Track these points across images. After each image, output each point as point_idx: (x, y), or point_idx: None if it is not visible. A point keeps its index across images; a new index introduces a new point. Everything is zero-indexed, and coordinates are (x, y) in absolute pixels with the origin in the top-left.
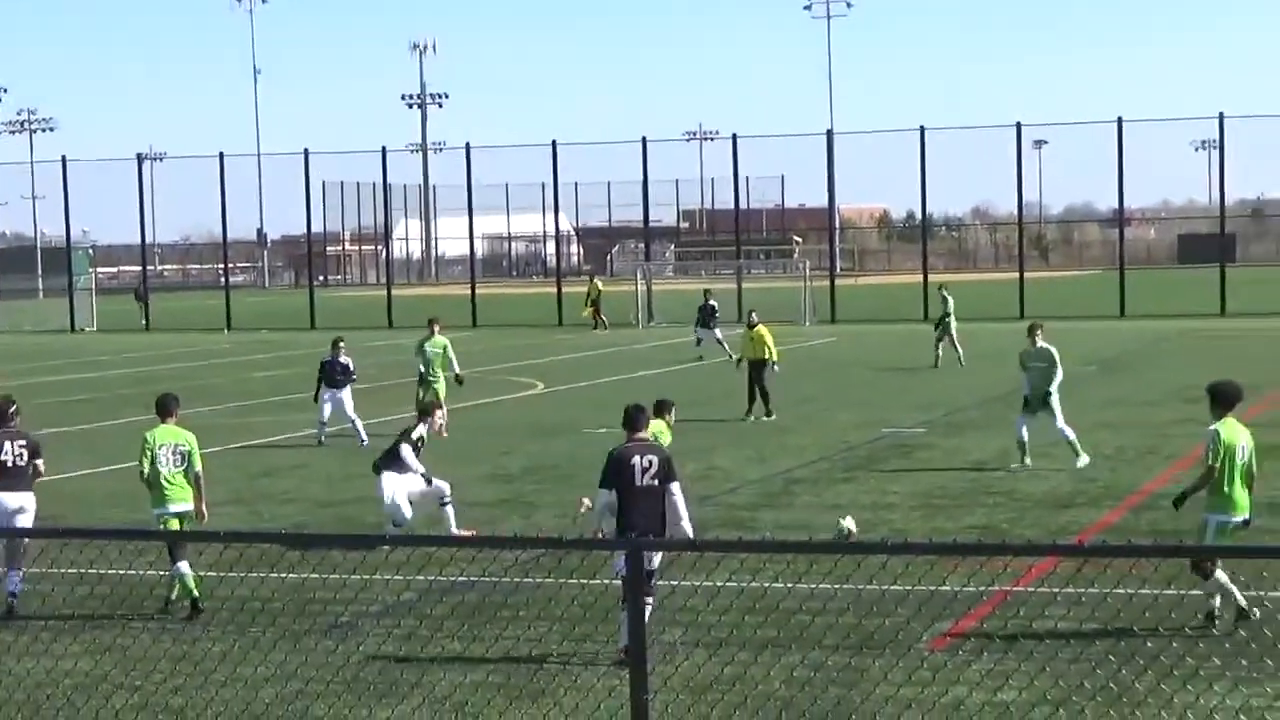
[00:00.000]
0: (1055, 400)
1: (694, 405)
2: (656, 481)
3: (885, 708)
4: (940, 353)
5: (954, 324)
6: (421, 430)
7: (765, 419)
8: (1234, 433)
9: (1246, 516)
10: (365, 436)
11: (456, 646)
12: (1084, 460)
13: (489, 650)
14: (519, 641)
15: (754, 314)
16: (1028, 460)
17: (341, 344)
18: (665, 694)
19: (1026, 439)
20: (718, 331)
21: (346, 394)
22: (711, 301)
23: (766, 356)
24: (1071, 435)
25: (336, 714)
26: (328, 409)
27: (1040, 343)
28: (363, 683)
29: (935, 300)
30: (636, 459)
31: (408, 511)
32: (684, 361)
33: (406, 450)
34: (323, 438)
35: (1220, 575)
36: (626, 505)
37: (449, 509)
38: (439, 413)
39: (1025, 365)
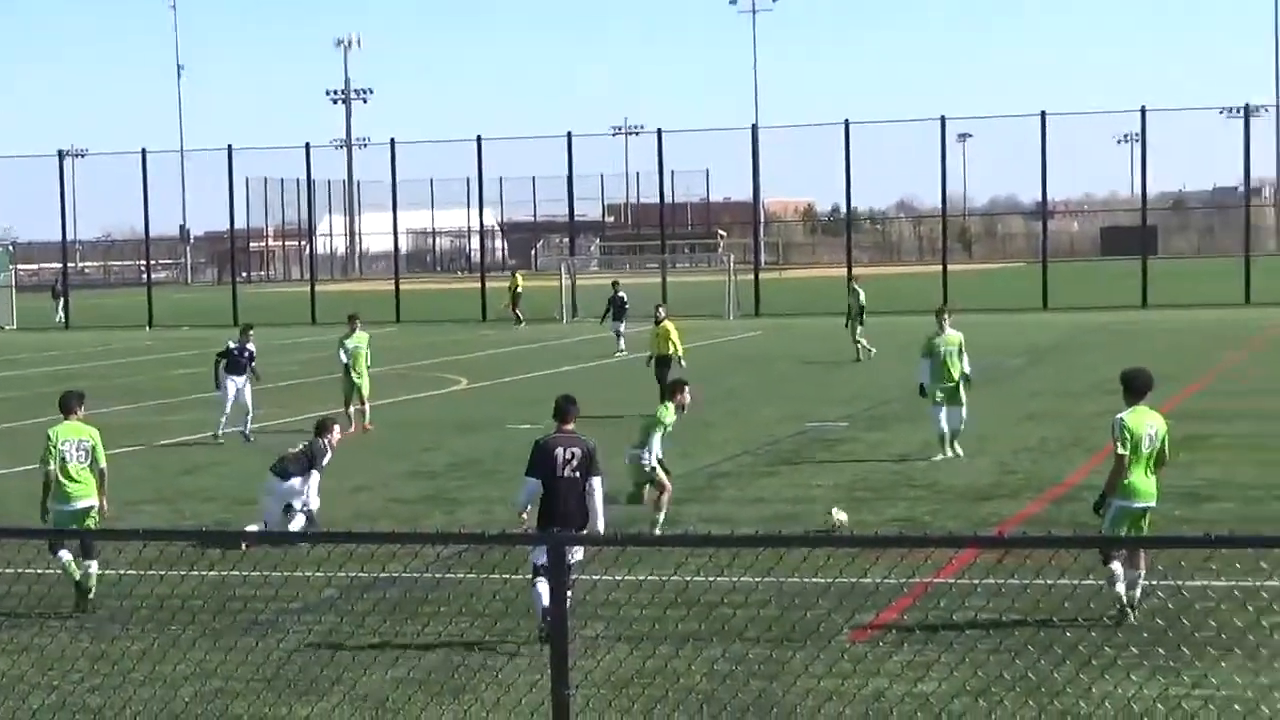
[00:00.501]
0: (964, 391)
1: (618, 401)
2: (578, 474)
3: (806, 700)
4: (867, 344)
5: (862, 318)
6: (329, 453)
7: None
8: (1140, 420)
9: (1150, 504)
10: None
11: (378, 643)
12: (948, 456)
13: (411, 646)
14: (441, 637)
15: (661, 309)
16: (948, 451)
17: (251, 332)
18: (587, 688)
19: (947, 430)
20: (621, 325)
21: (247, 384)
22: (620, 294)
23: (672, 352)
24: (959, 429)
25: (256, 712)
26: (232, 398)
27: (949, 328)
28: (283, 680)
29: (850, 295)
30: (560, 450)
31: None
32: (608, 356)
33: (316, 479)
34: (221, 435)
35: (1115, 567)
36: (548, 495)
37: (299, 518)
38: (336, 428)
39: (933, 350)
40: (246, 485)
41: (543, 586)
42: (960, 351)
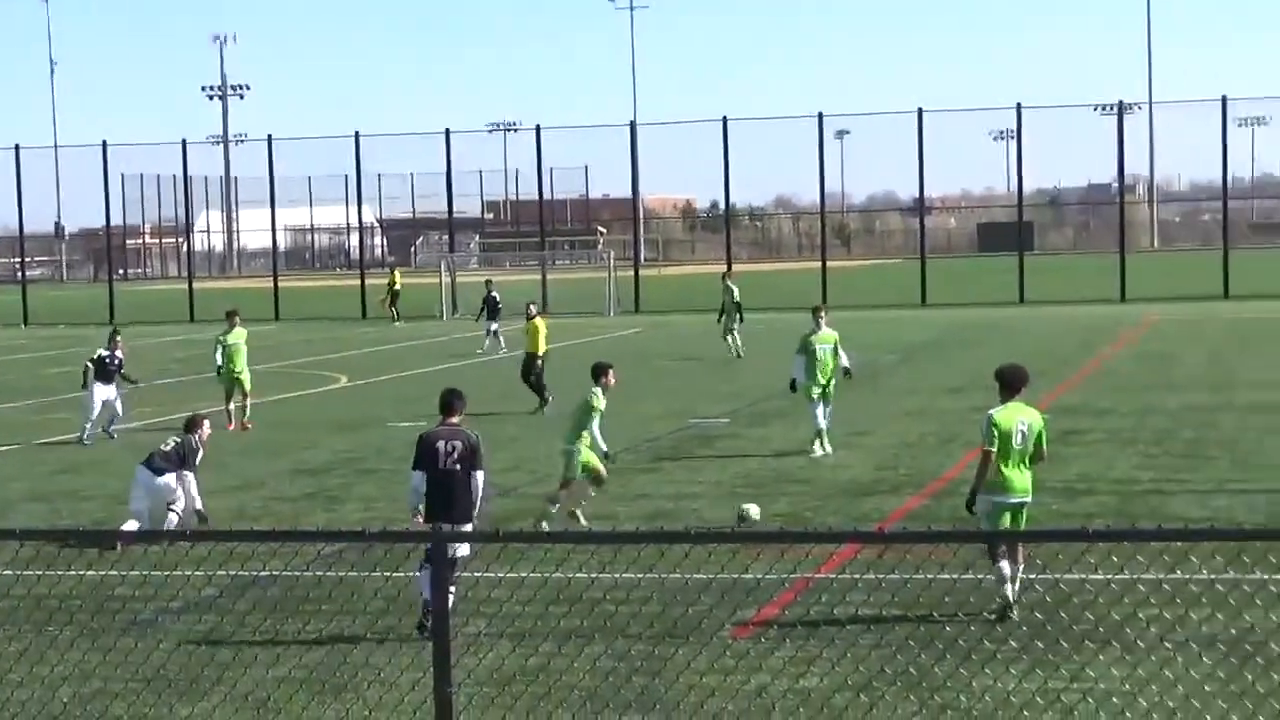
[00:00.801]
0: (832, 387)
1: (500, 397)
2: (459, 466)
3: (689, 696)
4: (741, 342)
5: (739, 315)
6: (200, 450)
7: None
8: (1011, 416)
9: (1023, 499)
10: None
11: (259, 641)
12: (824, 452)
13: (292, 645)
14: (323, 635)
15: (532, 306)
16: (824, 447)
17: (119, 337)
18: (470, 686)
19: (824, 426)
20: (494, 324)
21: (114, 389)
22: (494, 293)
23: (539, 350)
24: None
25: (136, 713)
26: (99, 406)
27: (825, 327)
28: (163, 680)
29: (724, 292)
30: (441, 443)
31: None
32: (494, 352)
33: (191, 479)
34: (87, 439)
35: (1004, 566)
36: (431, 488)
37: (171, 518)
38: (206, 424)
39: (808, 348)
40: (125, 484)
41: (426, 579)
42: (836, 350)
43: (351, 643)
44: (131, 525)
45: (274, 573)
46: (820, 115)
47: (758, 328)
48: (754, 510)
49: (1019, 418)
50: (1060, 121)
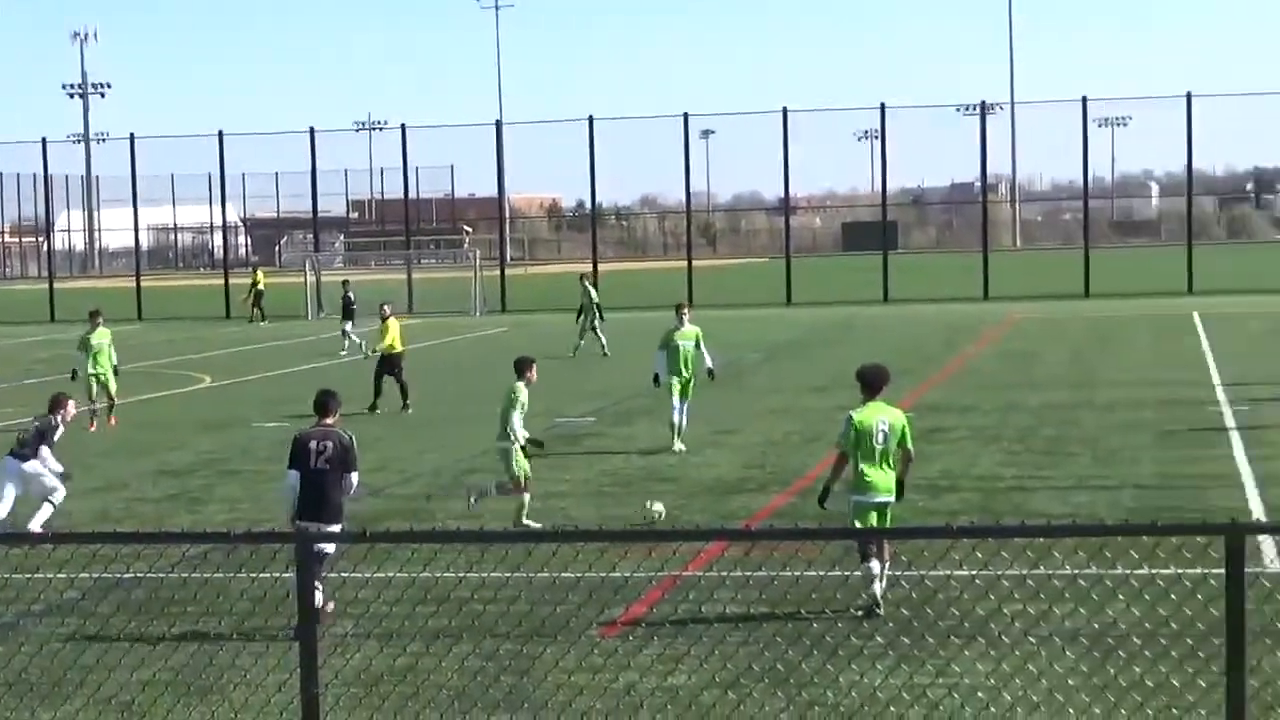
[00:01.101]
0: (692, 385)
1: (365, 397)
2: (329, 466)
3: (558, 695)
4: (605, 340)
5: (599, 314)
6: (60, 428)
7: (405, 412)
8: (870, 415)
9: (888, 498)
10: None
11: (124, 644)
12: (680, 448)
13: (157, 647)
14: (188, 637)
15: (385, 306)
16: (678, 444)
17: None
18: (337, 687)
19: (682, 422)
20: (349, 325)
21: None
22: (349, 294)
23: (392, 349)
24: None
25: None
26: None
27: (687, 323)
28: (25, 684)
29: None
30: (313, 443)
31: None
32: (355, 353)
33: (47, 453)
34: None
35: (873, 565)
36: (303, 486)
37: (47, 509)
38: (70, 403)
39: (670, 343)
40: None
41: (319, 594)
42: (697, 345)
43: (217, 644)
44: (44, 514)
45: (138, 575)
46: (686, 115)
47: (621, 326)
48: (659, 506)
49: (879, 417)
50: (923, 121)
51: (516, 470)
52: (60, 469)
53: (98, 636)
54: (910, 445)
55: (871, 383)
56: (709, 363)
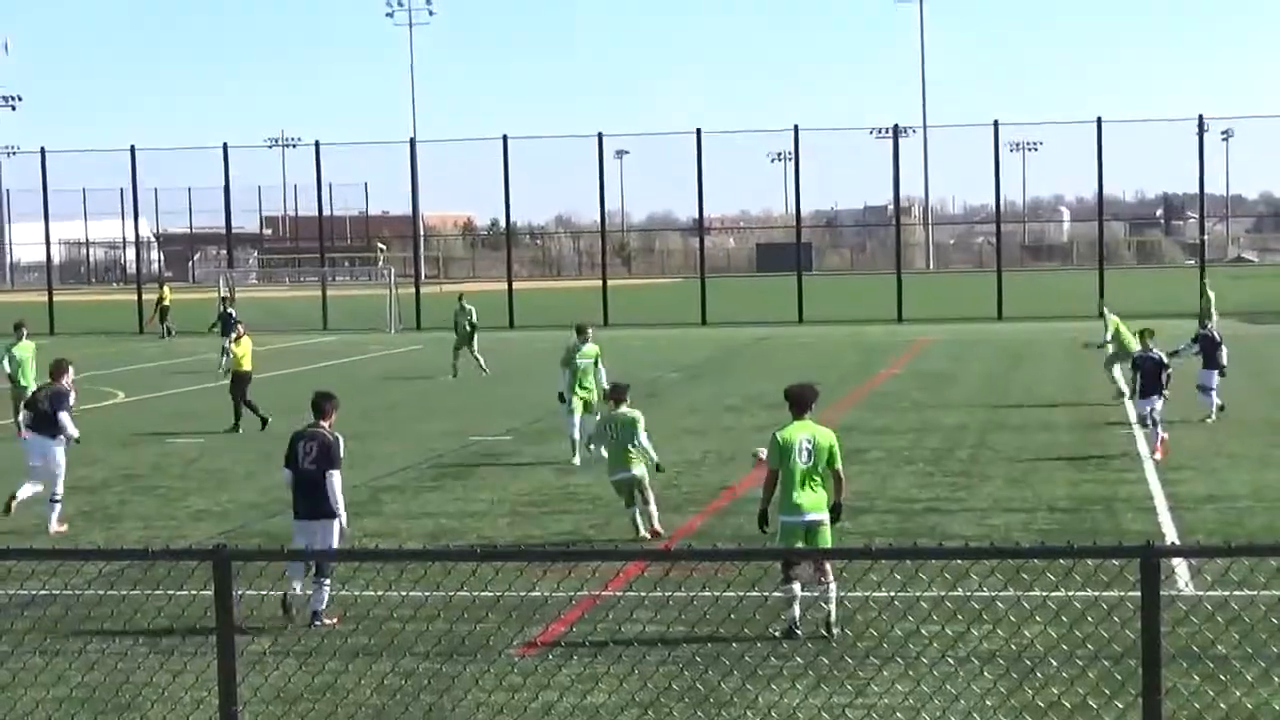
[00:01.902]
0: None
1: (279, 414)
2: (315, 466)
3: (477, 714)
4: (458, 363)
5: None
6: (72, 392)
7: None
8: (794, 433)
9: (817, 515)
10: None
11: (39, 661)
12: (578, 462)
13: (72, 664)
14: (105, 655)
15: (240, 325)
16: (577, 457)
17: None
18: (255, 705)
19: (579, 437)
20: (227, 341)
21: None
22: (229, 310)
23: (241, 367)
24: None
25: None
26: None
27: (589, 342)
28: None
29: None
30: (301, 443)
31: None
32: (271, 370)
33: (66, 419)
34: None
35: (794, 585)
36: (295, 485)
37: (58, 507)
38: (70, 367)
39: (570, 361)
40: None
41: (296, 585)
42: (597, 364)
43: (134, 661)
44: (29, 490)
45: (53, 592)
46: (600, 135)
47: (534, 343)
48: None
49: (803, 435)
50: (837, 144)
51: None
52: (76, 433)
53: (12, 653)
54: (840, 465)
55: (798, 401)
56: (604, 382)
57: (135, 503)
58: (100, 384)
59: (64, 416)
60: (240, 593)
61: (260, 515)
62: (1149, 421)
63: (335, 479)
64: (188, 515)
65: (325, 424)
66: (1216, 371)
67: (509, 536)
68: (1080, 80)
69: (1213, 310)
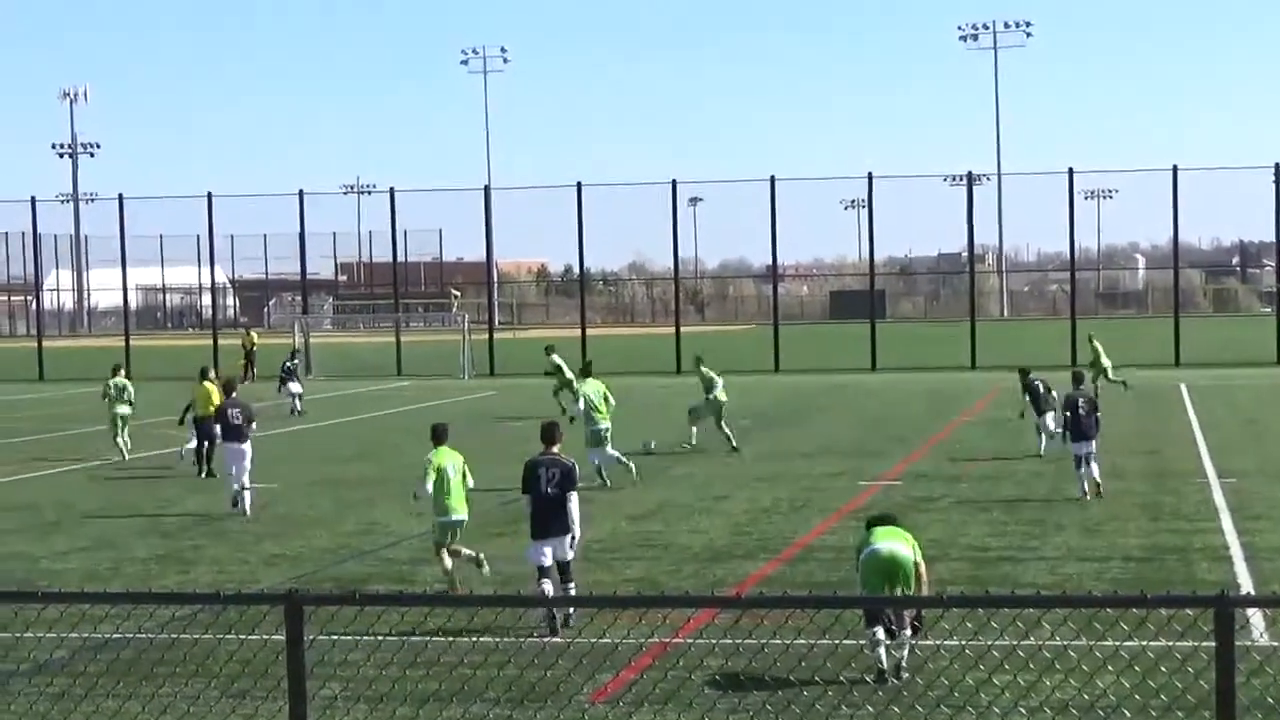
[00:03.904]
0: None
1: (353, 460)
2: (559, 489)
3: None
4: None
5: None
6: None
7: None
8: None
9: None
10: None
11: (112, 705)
12: (606, 483)
13: (145, 708)
14: (177, 699)
15: (209, 369)
16: (606, 480)
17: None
18: None
19: (599, 462)
20: (293, 384)
21: None
22: (294, 358)
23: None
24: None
25: None
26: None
27: (591, 379)
28: None
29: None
30: (543, 470)
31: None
32: (345, 415)
33: (253, 426)
34: None
35: (878, 630)
36: (534, 509)
37: (247, 494)
38: (236, 382)
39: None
40: None
41: (547, 586)
42: (605, 399)
43: (206, 706)
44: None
45: (126, 635)
46: (674, 182)
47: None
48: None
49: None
50: (911, 191)
51: None
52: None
53: (86, 697)
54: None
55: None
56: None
57: (209, 547)
58: (174, 428)
59: (253, 426)
60: (311, 638)
61: (332, 560)
62: (1085, 463)
63: (574, 500)
64: (260, 560)
65: (556, 450)
66: None
67: (580, 583)
68: (1155, 128)
69: None
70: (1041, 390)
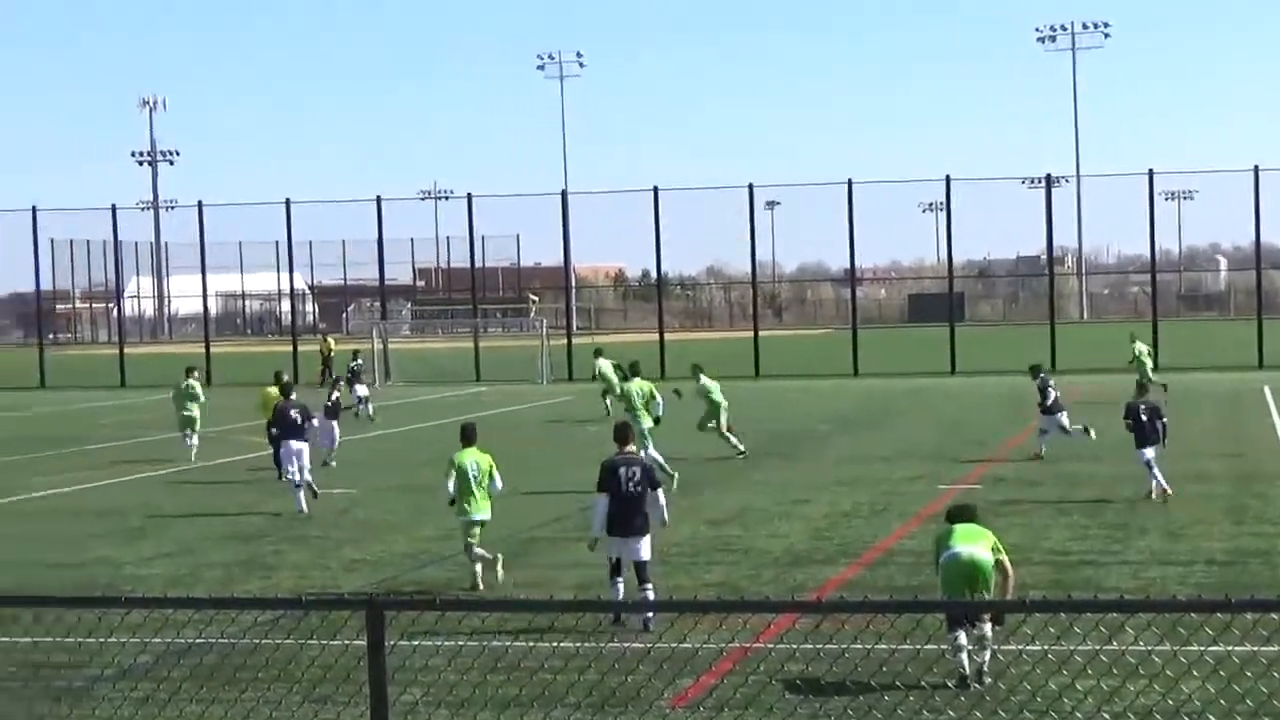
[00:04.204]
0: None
1: (430, 465)
2: (640, 488)
3: None
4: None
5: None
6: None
7: None
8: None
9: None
10: None
11: (194, 710)
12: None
13: (228, 713)
14: (259, 704)
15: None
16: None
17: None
18: None
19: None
20: (359, 389)
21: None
22: (358, 360)
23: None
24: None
25: None
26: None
27: (638, 378)
28: None
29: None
30: (623, 469)
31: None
32: (424, 420)
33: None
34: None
35: (960, 635)
36: (615, 508)
37: (301, 493)
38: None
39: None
40: (56, 550)
41: (620, 586)
42: (649, 399)
43: (288, 711)
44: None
45: (209, 640)
46: (751, 186)
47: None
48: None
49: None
50: (989, 194)
51: None
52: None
53: (169, 702)
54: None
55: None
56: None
57: (290, 552)
58: (254, 434)
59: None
60: (393, 643)
61: (413, 565)
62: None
63: (661, 494)
64: (341, 565)
65: (631, 449)
66: None
67: (660, 587)
68: (1235, 127)
69: None
70: (1051, 391)
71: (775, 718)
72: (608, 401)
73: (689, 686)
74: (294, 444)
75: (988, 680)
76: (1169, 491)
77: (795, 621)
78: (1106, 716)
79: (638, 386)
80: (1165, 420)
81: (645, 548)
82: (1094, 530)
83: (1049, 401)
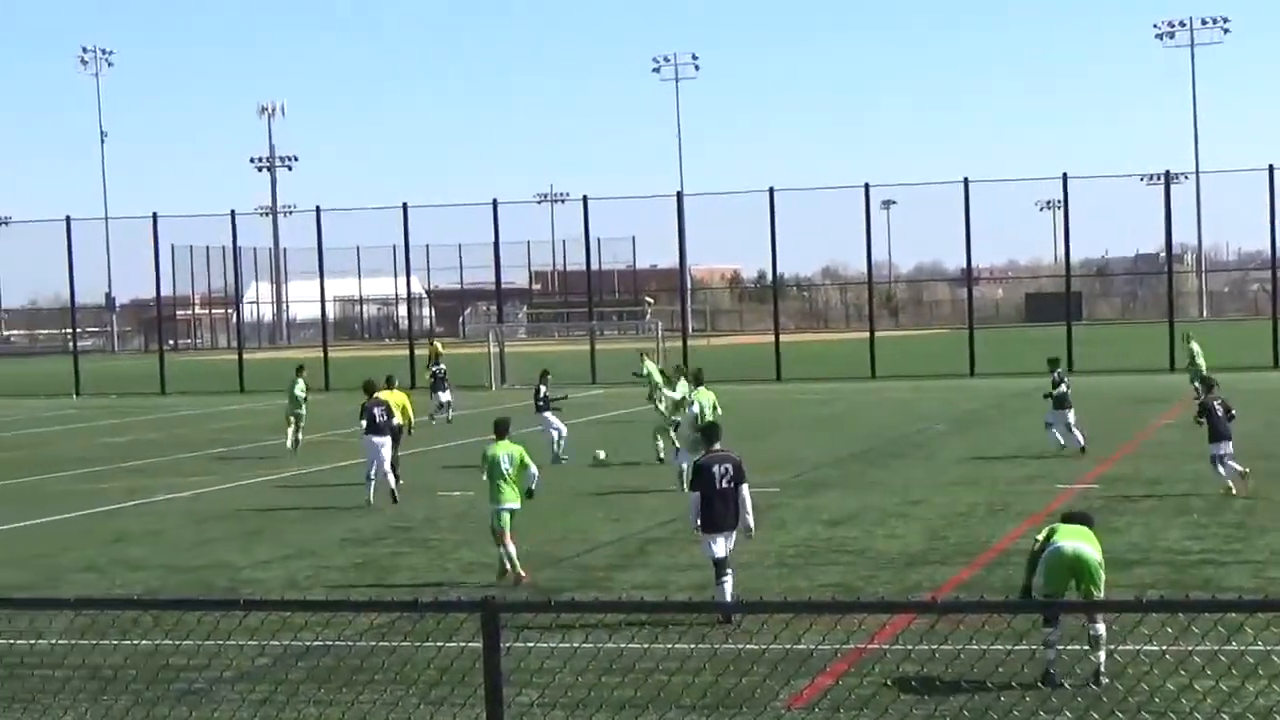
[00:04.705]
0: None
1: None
2: (732, 485)
3: None
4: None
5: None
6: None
7: None
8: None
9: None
10: None
11: (312, 711)
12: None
13: (345, 714)
14: (376, 706)
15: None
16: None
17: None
18: None
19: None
20: (444, 395)
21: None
22: (440, 365)
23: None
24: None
25: None
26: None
27: (703, 388)
28: None
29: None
30: (716, 467)
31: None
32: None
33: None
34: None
35: (1051, 633)
36: (708, 505)
37: (371, 485)
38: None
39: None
40: (177, 554)
41: (728, 584)
42: (713, 406)
43: (405, 713)
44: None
45: (327, 643)
46: (866, 186)
47: (803, 395)
48: (601, 453)
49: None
50: (1107, 191)
51: None
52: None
53: (288, 704)
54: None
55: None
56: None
57: (406, 555)
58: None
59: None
60: (508, 645)
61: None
62: (1221, 462)
63: (747, 490)
64: (458, 567)
65: (719, 447)
66: None
67: (776, 588)
68: None
69: None
70: (1064, 387)
71: (891, 719)
72: (655, 401)
73: (805, 687)
74: (375, 439)
75: (1104, 681)
76: (1243, 478)
77: (911, 622)
78: (1225, 717)
79: (705, 396)
80: (1235, 414)
81: (734, 540)
82: (1213, 529)
83: (1057, 393)
